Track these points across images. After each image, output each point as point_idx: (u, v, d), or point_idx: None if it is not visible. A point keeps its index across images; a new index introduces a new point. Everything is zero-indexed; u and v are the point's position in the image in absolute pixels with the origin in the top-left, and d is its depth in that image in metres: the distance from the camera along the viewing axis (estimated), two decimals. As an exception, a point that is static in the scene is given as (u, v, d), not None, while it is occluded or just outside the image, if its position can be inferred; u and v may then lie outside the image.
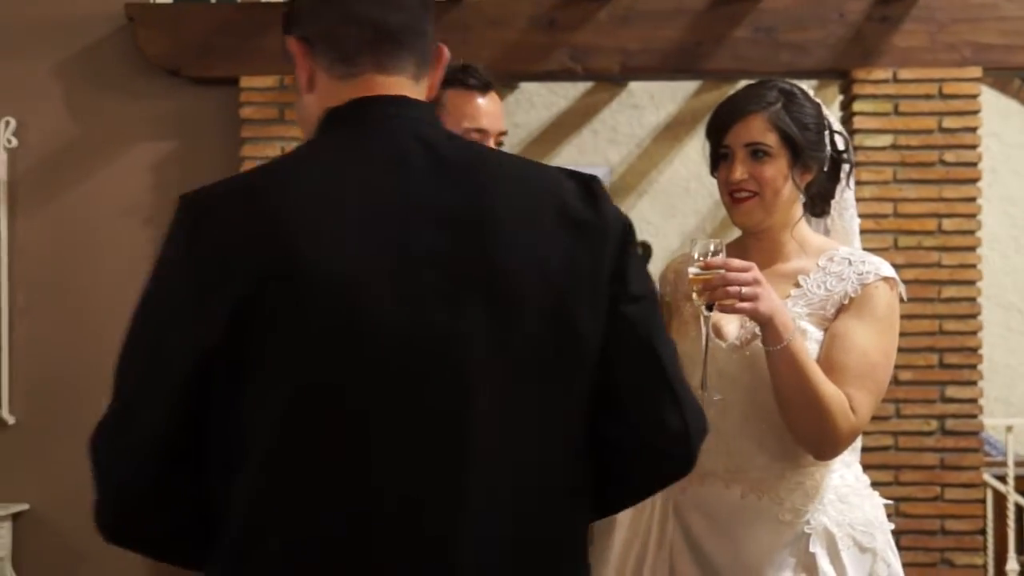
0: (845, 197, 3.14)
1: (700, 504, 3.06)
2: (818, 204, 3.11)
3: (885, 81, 5.85)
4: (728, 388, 2.99)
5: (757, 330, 2.95)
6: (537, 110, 7.81)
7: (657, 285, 3.22)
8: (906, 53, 5.85)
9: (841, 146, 3.10)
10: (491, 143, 3.14)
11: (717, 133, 3.08)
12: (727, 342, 3.02)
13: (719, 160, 3.08)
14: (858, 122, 5.85)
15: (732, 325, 3.03)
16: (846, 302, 2.95)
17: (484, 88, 3.21)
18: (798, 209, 3.07)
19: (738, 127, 3.03)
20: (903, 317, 5.56)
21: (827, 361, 2.89)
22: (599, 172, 7.71)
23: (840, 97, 6.15)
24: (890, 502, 3.18)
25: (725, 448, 3.02)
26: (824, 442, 2.87)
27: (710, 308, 2.85)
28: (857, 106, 5.85)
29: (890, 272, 3.00)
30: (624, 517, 3.13)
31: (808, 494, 2.97)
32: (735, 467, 3.01)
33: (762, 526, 2.98)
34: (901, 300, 3.04)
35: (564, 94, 7.78)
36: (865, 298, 2.95)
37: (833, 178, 3.10)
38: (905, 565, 5.47)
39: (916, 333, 5.74)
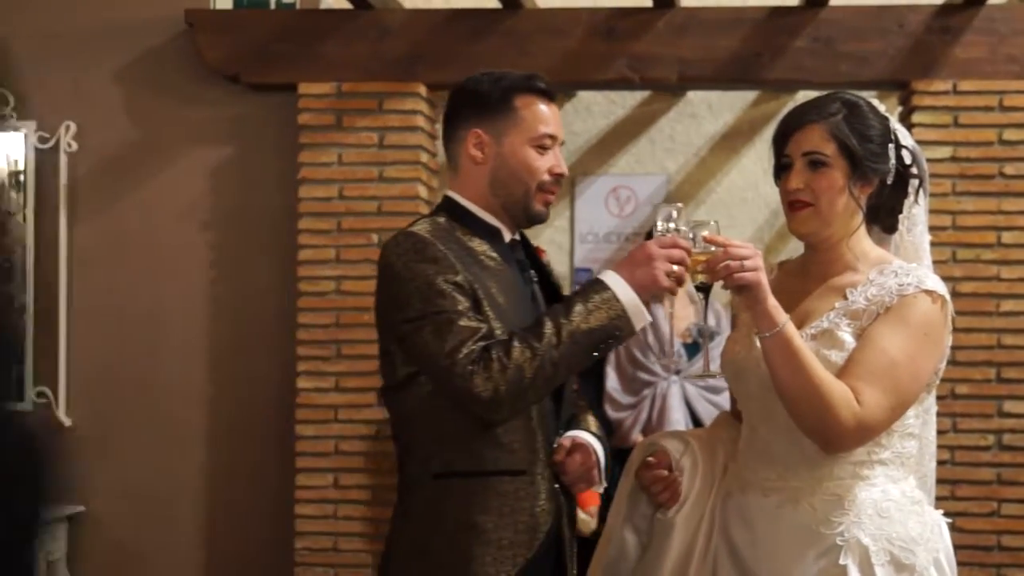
0: (914, 213, 3.13)
1: (741, 512, 3.09)
2: (884, 218, 3.10)
3: (945, 93, 5.80)
4: (772, 397, 3.00)
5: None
6: (595, 118, 7.78)
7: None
8: (966, 65, 5.80)
9: (908, 160, 3.08)
10: (558, 151, 3.19)
11: (779, 142, 3.10)
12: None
13: (781, 170, 3.09)
14: (917, 134, 5.79)
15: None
16: (882, 311, 2.95)
17: (552, 96, 3.25)
18: (856, 221, 3.07)
19: (798, 136, 3.06)
20: (959, 330, 5.53)
21: (847, 360, 2.91)
22: (656, 181, 7.70)
23: (899, 109, 6.10)
24: (949, 520, 3.14)
25: (768, 457, 3.04)
26: (827, 431, 2.86)
27: (704, 290, 2.96)
28: (916, 118, 5.81)
29: (935, 286, 2.98)
30: (681, 519, 3.14)
31: (844, 506, 2.97)
32: (775, 476, 3.03)
33: (796, 536, 2.99)
34: (952, 319, 3.04)
35: (622, 103, 7.74)
36: (900, 306, 2.96)
37: (900, 192, 3.09)
38: (962, 581, 5.44)
39: (974, 347, 5.70)
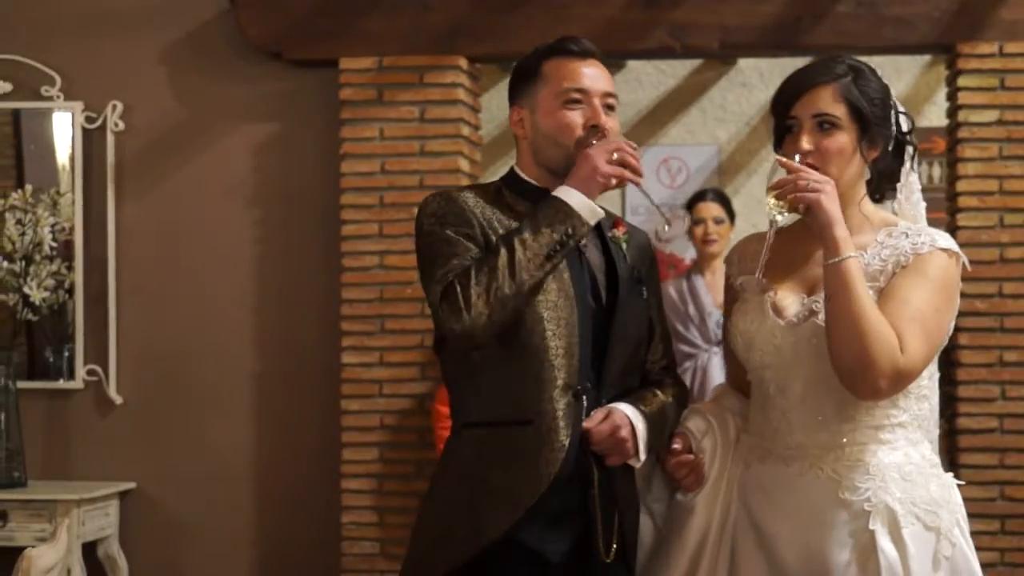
0: (911, 180, 3.13)
1: (761, 483, 3.07)
2: (884, 184, 3.10)
3: (991, 55, 5.71)
4: (787, 365, 3.00)
5: (815, 306, 2.96)
6: (645, 89, 7.77)
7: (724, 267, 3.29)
8: (1013, 27, 5.70)
9: (905, 127, 3.08)
10: (596, 103, 3.15)
11: (784, 106, 3.08)
12: (785, 319, 3.02)
13: (784, 134, 3.06)
14: (963, 98, 5.73)
15: (791, 303, 3.04)
16: (899, 270, 2.93)
17: (584, 54, 3.21)
18: (863, 184, 3.06)
19: (806, 98, 3.04)
20: (1008, 296, 5.51)
21: None
22: (708, 152, 7.67)
23: (946, 73, 6.01)
24: (961, 482, 3.11)
25: (786, 426, 3.03)
26: (867, 371, 2.83)
27: (782, 212, 2.96)
28: (962, 81, 5.72)
29: (948, 244, 2.98)
30: (701, 500, 3.13)
31: (869, 472, 2.96)
32: (795, 444, 3.02)
33: (821, 503, 2.97)
34: (965, 270, 3.02)
35: (672, 73, 7.72)
36: (917, 262, 2.96)
37: (898, 159, 3.08)
38: (1011, 550, 5.40)
39: (1022, 313, 5.62)
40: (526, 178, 3.21)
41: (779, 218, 3.00)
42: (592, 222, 3.01)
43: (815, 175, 2.91)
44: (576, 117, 3.13)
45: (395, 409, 5.93)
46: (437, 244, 3.06)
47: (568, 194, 3.00)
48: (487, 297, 2.93)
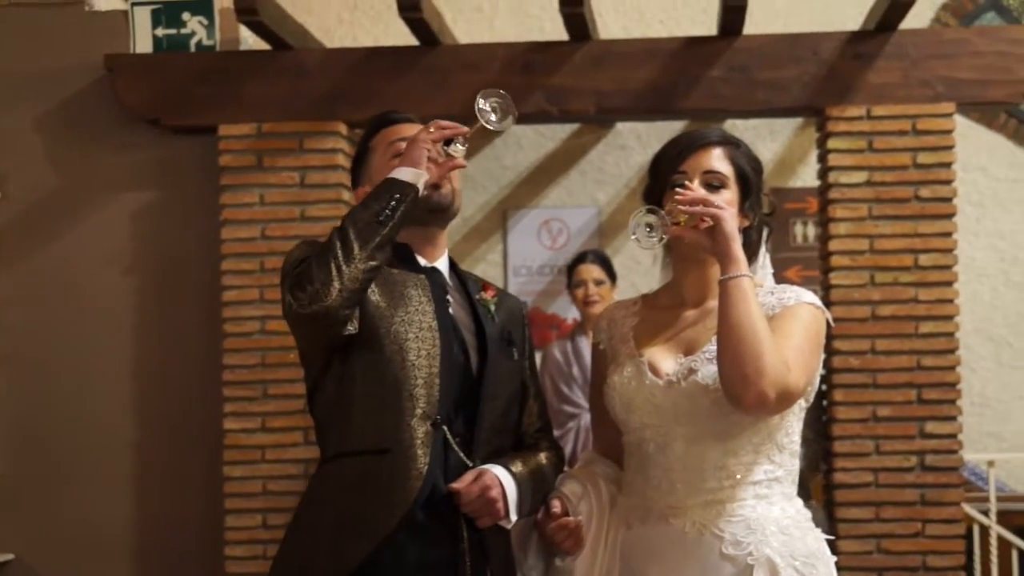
0: (766, 261, 3.21)
1: (644, 543, 3.09)
2: (747, 256, 3.14)
3: (859, 118, 5.86)
4: (668, 424, 3.04)
5: (693, 365, 3.01)
6: (525, 152, 7.83)
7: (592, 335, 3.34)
8: (880, 90, 5.86)
9: (767, 210, 3.17)
10: None
11: (673, 160, 3.11)
12: (664, 378, 3.06)
13: (665, 189, 3.11)
14: (833, 159, 5.86)
15: (668, 363, 3.08)
16: (770, 319, 2.99)
17: (405, 120, 3.31)
18: (739, 246, 3.12)
19: (699, 154, 3.10)
20: (880, 353, 5.61)
21: None
22: (588, 213, 7.74)
23: (816, 135, 6.16)
24: (831, 537, 3.17)
25: (668, 484, 3.06)
26: (757, 381, 2.85)
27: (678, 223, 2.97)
28: (832, 143, 5.86)
29: (813, 299, 3.07)
30: (579, 565, 3.14)
31: (750, 526, 2.99)
32: (677, 502, 3.04)
33: (706, 560, 3.00)
34: (829, 327, 3.10)
35: (552, 136, 7.80)
36: (785, 311, 3.03)
37: (758, 238, 3.16)
38: (888, 601, 5.48)
39: (894, 369, 5.74)
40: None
41: (652, 235, 3.01)
42: (418, 183, 3.03)
43: (717, 199, 2.99)
44: None
45: (278, 475, 5.91)
46: (291, 262, 3.09)
47: (394, 171, 3.06)
48: (330, 271, 2.95)
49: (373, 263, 3.00)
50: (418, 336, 3.08)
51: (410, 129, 3.23)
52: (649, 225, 2.97)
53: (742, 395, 2.88)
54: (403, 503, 3.02)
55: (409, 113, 3.36)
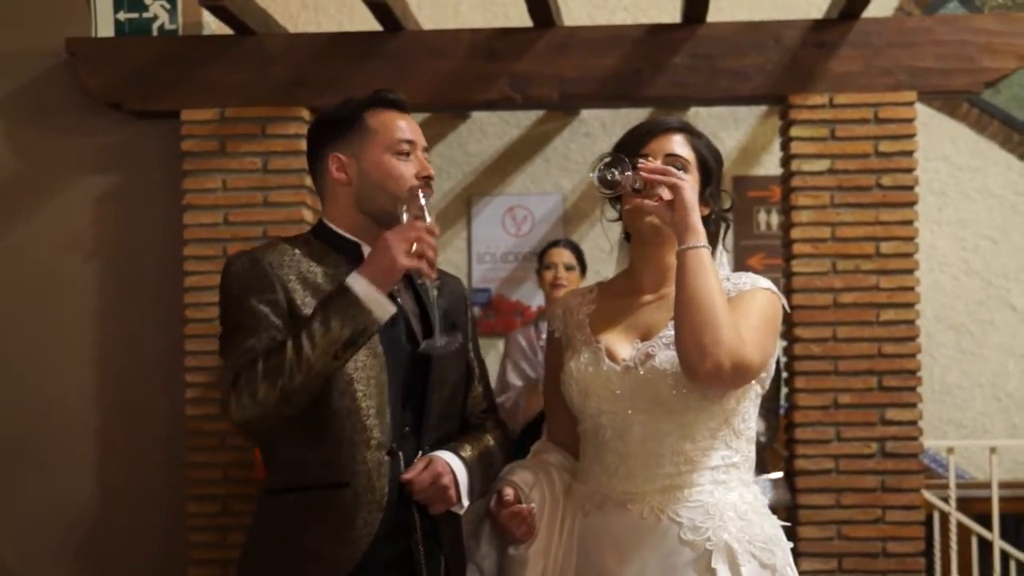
0: (723, 259, 3.23)
1: (602, 530, 3.09)
2: None
3: (821, 106, 5.87)
4: (625, 409, 3.04)
5: (650, 350, 3.02)
6: (489, 139, 7.83)
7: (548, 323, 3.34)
8: (842, 78, 5.87)
9: (726, 205, 3.19)
10: (421, 155, 3.21)
11: (635, 144, 3.13)
12: (621, 364, 3.06)
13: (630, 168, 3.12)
14: (795, 147, 5.87)
15: (625, 348, 3.09)
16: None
17: (405, 108, 3.27)
18: (697, 232, 3.12)
19: (661, 139, 3.13)
20: (841, 340, 5.62)
21: None
22: (552, 200, 7.75)
23: (780, 123, 6.17)
24: (787, 524, 3.19)
25: (625, 471, 3.07)
26: (714, 346, 2.87)
27: (639, 191, 3.02)
28: (794, 131, 5.87)
29: (768, 285, 3.08)
30: (533, 553, 3.15)
31: (708, 512, 3.01)
32: (633, 488, 3.05)
33: (663, 546, 3.01)
34: (786, 312, 3.13)
35: (516, 123, 7.80)
36: (741, 295, 3.06)
37: (717, 229, 3.18)
38: (848, 588, 5.51)
39: (855, 356, 5.76)
40: (336, 229, 3.21)
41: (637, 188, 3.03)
42: (384, 319, 3.00)
43: (679, 172, 3.01)
44: (408, 168, 3.17)
45: (239, 461, 5.89)
46: (239, 314, 3.04)
47: (360, 285, 2.98)
48: (273, 393, 2.92)
49: (320, 386, 3.00)
50: (365, 365, 3.07)
51: (413, 124, 3.23)
52: (610, 165, 3.00)
53: (698, 365, 2.89)
54: (366, 536, 3.04)
55: None
